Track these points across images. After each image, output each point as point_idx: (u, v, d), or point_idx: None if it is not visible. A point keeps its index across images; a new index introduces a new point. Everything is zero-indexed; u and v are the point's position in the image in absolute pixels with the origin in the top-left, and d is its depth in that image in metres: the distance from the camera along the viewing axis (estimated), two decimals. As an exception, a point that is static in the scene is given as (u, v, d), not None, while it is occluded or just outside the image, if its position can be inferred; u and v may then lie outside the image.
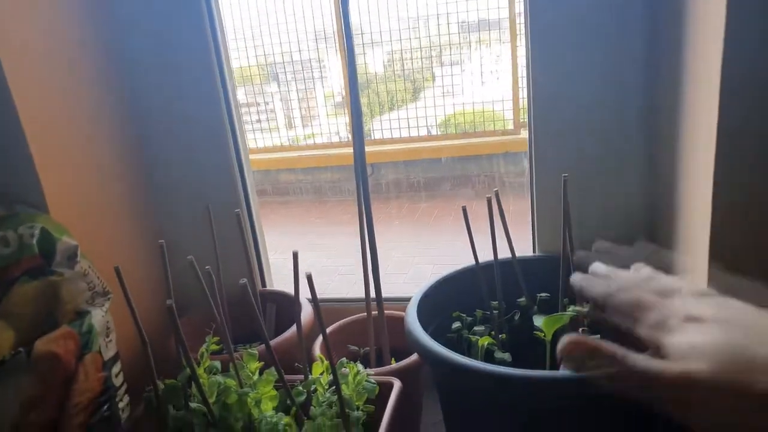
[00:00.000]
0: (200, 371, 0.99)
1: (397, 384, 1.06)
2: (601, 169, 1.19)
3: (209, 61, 1.29)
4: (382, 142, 3.43)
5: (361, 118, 1.15)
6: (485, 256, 1.13)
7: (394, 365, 1.15)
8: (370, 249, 1.20)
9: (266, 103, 4.16)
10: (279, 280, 1.54)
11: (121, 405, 1.09)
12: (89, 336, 1.02)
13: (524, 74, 3.25)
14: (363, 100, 3.69)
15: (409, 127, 3.40)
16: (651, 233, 1.20)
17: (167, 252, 0.96)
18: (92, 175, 1.21)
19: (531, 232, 1.28)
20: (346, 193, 3.48)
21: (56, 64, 1.12)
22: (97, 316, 1.04)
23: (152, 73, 1.31)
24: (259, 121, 4.08)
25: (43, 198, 1.05)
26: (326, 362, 1.01)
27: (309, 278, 0.86)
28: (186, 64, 1.30)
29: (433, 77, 3.88)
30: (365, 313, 1.28)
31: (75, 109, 1.17)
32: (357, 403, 0.99)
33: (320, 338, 1.26)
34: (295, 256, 0.95)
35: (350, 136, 3.67)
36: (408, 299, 1.42)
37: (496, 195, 1.07)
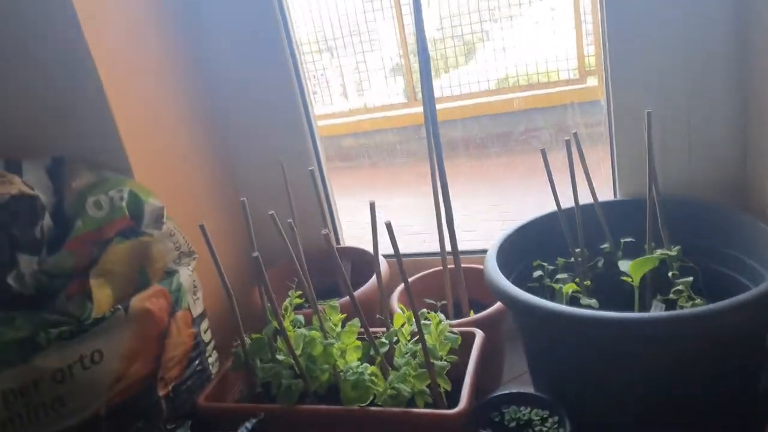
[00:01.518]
0: (285, 324, 1.01)
1: (479, 334, 1.05)
2: (687, 108, 1.11)
3: (276, 28, 1.29)
4: (443, 99, 3.36)
5: (429, 70, 1.12)
6: (562, 204, 1.09)
7: (475, 316, 1.14)
8: (443, 200, 1.18)
9: (321, 74, 4.17)
10: (348, 240, 1.55)
11: (210, 360, 1.13)
12: (178, 294, 1.06)
13: (587, 20, 3.08)
14: (414, 65, 3.63)
15: (461, 86, 3.32)
16: (741, 176, 1.12)
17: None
18: (172, 140, 1.24)
19: (611, 175, 1.22)
20: (407, 155, 3.46)
21: (138, 39, 1.15)
22: (185, 275, 1.08)
23: (224, 41, 1.33)
24: (315, 93, 4.11)
25: (128, 163, 1.09)
26: (408, 312, 1.01)
27: (389, 227, 0.85)
28: (256, 32, 1.31)
29: (486, 36, 3.75)
30: (440, 267, 1.27)
31: (156, 80, 1.20)
32: (440, 353, 0.99)
33: (397, 291, 1.26)
34: (372, 206, 0.94)
35: (411, 95, 3.62)
36: (482, 252, 1.40)
37: (575, 137, 1.03)
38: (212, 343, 1.15)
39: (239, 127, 1.40)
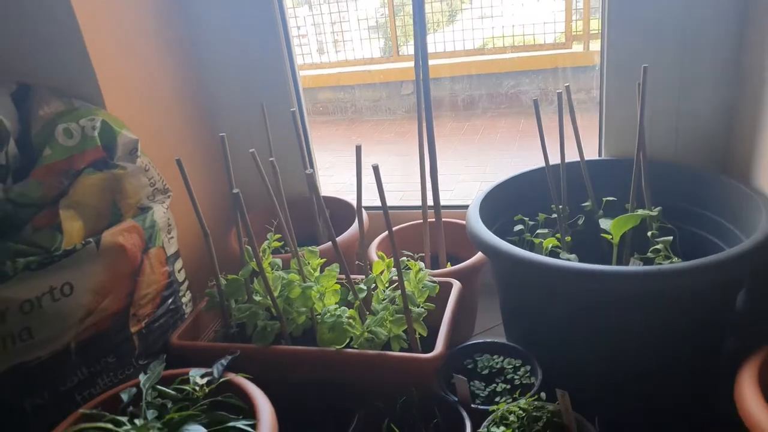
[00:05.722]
0: (264, 265, 0.99)
1: (456, 284, 1.05)
2: (678, 71, 1.10)
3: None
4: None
5: (423, 19, 1.09)
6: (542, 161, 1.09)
7: (453, 267, 1.14)
8: (429, 151, 1.16)
9: (298, 27, 4.06)
10: (325, 193, 1.52)
11: (184, 300, 1.11)
12: (152, 231, 1.03)
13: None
14: (396, 22, 3.58)
15: (445, 43, 3.27)
16: (726, 141, 1.13)
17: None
18: (147, 73, 1.18)
19: (598, 134, 1.22)
20: (386, 112, 3.41)
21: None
22: (159, 212, 1.05)
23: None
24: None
25: (99, 93, 1.04)
26: (387, 260, 1.00)
27: (375, 169, 0.83)
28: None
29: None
30: (419, 221, 1.26)
31: (133, 9, 1.14)
32: (418, 300, 0.99)
33: (375, 242, 1.25)
34: (358, 150, 0.92)
35: (393, 50, 3.55)
36: (461, 207, 1.40)
37: (567, 90, 1.01)
38: (186, 283, 1.13)
39: (220, 66, 1.34)
